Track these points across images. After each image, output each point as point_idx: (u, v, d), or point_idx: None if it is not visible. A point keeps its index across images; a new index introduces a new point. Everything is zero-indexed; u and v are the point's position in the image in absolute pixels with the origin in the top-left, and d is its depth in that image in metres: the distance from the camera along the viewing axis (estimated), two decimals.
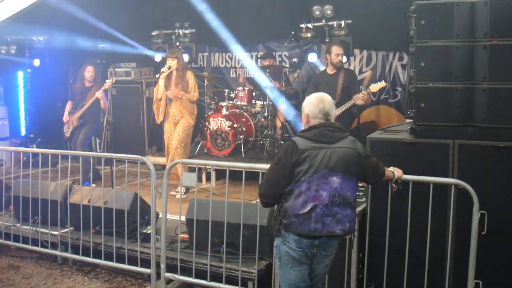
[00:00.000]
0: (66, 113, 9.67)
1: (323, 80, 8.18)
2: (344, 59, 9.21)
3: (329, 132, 4.14)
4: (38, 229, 6.89)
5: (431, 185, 4.88)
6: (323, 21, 9.41)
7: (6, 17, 10.21)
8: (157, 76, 8.71)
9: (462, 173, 4.97)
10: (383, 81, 8.14)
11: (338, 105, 7.66)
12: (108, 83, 9.09)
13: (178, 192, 8.22)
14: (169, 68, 8.40)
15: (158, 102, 8.57)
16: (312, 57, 9.58)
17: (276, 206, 4.28)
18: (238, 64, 11.53)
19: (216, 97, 10.46)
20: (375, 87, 7.95)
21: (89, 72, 9.52)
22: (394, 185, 4.67)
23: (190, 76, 8.53)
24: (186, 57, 10.50)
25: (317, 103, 4.23)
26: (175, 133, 8.46)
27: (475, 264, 4.74)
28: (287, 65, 10.45)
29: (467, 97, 5.03)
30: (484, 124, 4.97)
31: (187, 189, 8.18)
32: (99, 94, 9.21)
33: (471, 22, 4.98)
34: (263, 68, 9.67)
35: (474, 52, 4.98)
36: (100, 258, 6.39)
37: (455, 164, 5.05)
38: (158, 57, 10.78)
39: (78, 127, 9.53)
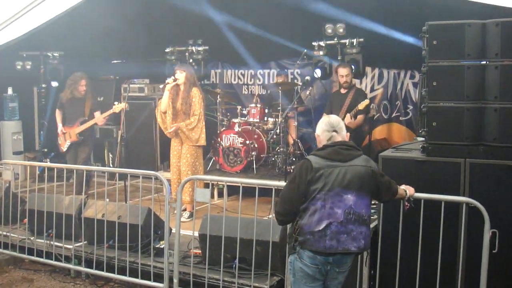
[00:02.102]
0: (60, 124, 9.42)
1: (336, 98, 8.53)
2: (319, 73, 9.46)
3: (343, 150, 4.22)
4: (52, 242, 6.94)
5: (443, 203, 4.90)
6: (335, 39, 9.49)
7: (22, 33, 10.38)
8: (160, 86, 8.55)
9: (473, 192, 5.02)
10: (367, 98, 8.38)
11: None
12: (117, 107, 8.90)
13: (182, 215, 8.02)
14: (175, 80, 8.10)
15: (163, 115, 8.29)
16: (317, 73, 9.66)
17: (291, 223, 4.35)
18: (251, 81, 11.62)
19: (228, 114, 10.56)
20: (361, 105, 8.12)
21: (82, 86, 9.33)
22: (406, 203, 4.71)
23: (195, 93, 8.09)
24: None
25: (322, 120, 4.42)
26: (183, 158, 8.17)
27: (486, 283, 4.75)
28: (300, 83, 10.53)
29: (478, 117, 5.08)
30: (495, 143, 5.01)
31: (191, 214, 7.97)
32: (100, 121, 9.26)
33: (482, 42, 5.05)
34: (276, 85, 9.76)
35: (485, 72, 5.04)
36: (113, 272, 6.43)
37: (466, 183, 5.09)
38: (170, 81, 10.79)
39: (77, 143, 9.34)
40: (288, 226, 4.51)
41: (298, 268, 4.24)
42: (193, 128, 8.09)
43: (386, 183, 4.41)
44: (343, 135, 4.37)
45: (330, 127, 4.32)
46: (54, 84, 11.67)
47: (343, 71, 8.53)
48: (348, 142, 4.34)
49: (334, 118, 4.41)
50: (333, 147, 4.24)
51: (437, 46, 5.15)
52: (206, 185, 8.31)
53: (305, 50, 9.75)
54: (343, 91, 8.58)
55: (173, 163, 8.37)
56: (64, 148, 9.45)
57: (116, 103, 9.05)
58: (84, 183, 7.59)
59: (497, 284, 4.91)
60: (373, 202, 5.92)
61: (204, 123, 8.25)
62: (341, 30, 9.35)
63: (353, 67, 8.91)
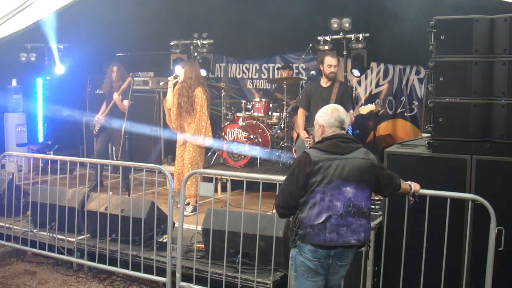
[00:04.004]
0: (99, 113, 9.68)
1: (316, 92, 7.84)
2: (357, 73, 9.26)
3: (341, 143, 4.19)
4: (54, 235, 6.94)
5: (448, 200, 4.87)
6: (341, 34, 9.44)
7: (27, 25, 10.34)
8: (161, 84, 8.69)
9: (479, 189, 4.97)
10: (373, 103, 7.66)
11: None
12: (124, 84, 9.14)
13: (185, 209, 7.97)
14: (175, 77, 8.14)
15: (169, 111, 8.31)
16: None
17: (291, 217, 4.32)
18: (255, 75, 11.59)
19: (232, 108, 10.54)
20: (364, 110, 7.57)
21: (113, 72, 9.61)
22: (411, 198, 4.68)
23: (198, 94, 8.01)
24: (203, 72, 10.62)
25: (332, 112, 4.32)
26: (186, 151, 8.15)
27: (491, 280, 4.72)
28: (305, 77, 10.50)
29: (485, 113, 5.03)
30: (502, 139, 4.96)
31: (195, 208, 7.93)
32: (115, 96, 9.28)
33: (490, 38, 4.99)
34: (281, 80, 9.73)
35: (493, 67, 4.99)
36: (116, 266, 6.42)
37: (472, 179, 5.05)
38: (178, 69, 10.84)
39: (105, 127, 9.56)
40: (290, 219, 4.48)
41: (299, 262, 4.21)
42: (194, 133, 8.04)
43: (387, 176, 4.37)
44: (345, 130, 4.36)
45: (339, 123, 4.27)
46: (59, 69, 11.65)
47: (332, 61, 7.69)
48: (347, 135, 4.32)
49: (343, 114, 4.32)
50: (332, 139, 4.21)
51: (444, 41, 5.09)
52: (210, 179, 8.27)
53: (311, 45, 9.69)
54: (325, 84, 7.79)
55: (178, 154, 8.32)
56: (95, 131, 9.72)
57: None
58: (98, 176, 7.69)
59: (502, 282, 4.87)
60: (378, 198, 5.93)
61: (207, 123, 8.15)
62: (346, 25, 9.30)
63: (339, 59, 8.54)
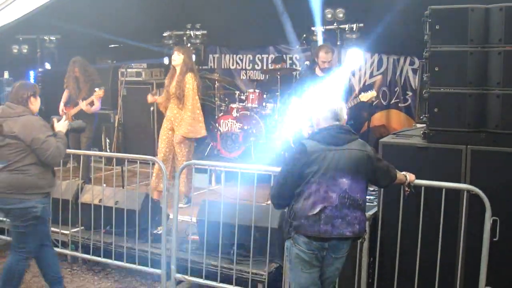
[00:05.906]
0: (62, 104, 9.15)
1: (312, 81, 7.64)
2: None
3: (338, 134, 4.19)
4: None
5: (443, 191, 4.87)
6: (335, 24, 9.41)
7: (18, 17, 10.27)
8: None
9: (474, 179, 4.97)
10: (373, 90, 7.60)
11: None
12: (96, 94, 8.68)
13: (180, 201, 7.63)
14: (154, 94, 8.13)
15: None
16: None
17: (287, 208, 4.31)
18: (249, 66, 11.54)
19: (226, 99, 10.51)
20: (365, 96, 7.46)
21: (76, 73, 9.04)
22: (406, 189, 4.68)
23: (189, 80, 7.69)
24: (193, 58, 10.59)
25: (325, 105, 4.32)
26: (177, 147, 7.84)
27: (486, 270, 4.74)
28: (299, 68, 10.47)
29: (480, 103, 5.02)
30: (497, 130, 4.95)
31: (189, 200, 7.75)
32: (83, 106, 8.78)
33: (485, 27, 4.97)
34: (275, 71, 9.70)
35: (488, 57, 4.97)
36: (111, 258, 6.40)
37: (467, 170, 5.04)
38: (166, 60, 10.78)
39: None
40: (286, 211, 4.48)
41: (294, 254, 4.21)
42: (190, 123, 7.77)
43: (383, 168, 4.37)
44: (343, 122, 4.32)
45: (334, 116, 4.24)
46: (47, 66, 11.59)
47: (325, 57, 7.52)
48: (344, 126, 4.29)
49: (338, 106, 4.30)
50: (328, 131, 4.20)
51: (439, 31, 5.07)
52: (204, 171, 8.25)
53: (304, 35, 9.66)
54: (321, 73, 7.66)
55: (161, 148, 7.95)
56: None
57: (96, 89, 8.82)
58: (82, 168, 7.55)
59: (497, 272, 4.88)
60: (373, 189, 5.93)
61: (200, 112, 7.93)
62: (340, 15, 9.28)
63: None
